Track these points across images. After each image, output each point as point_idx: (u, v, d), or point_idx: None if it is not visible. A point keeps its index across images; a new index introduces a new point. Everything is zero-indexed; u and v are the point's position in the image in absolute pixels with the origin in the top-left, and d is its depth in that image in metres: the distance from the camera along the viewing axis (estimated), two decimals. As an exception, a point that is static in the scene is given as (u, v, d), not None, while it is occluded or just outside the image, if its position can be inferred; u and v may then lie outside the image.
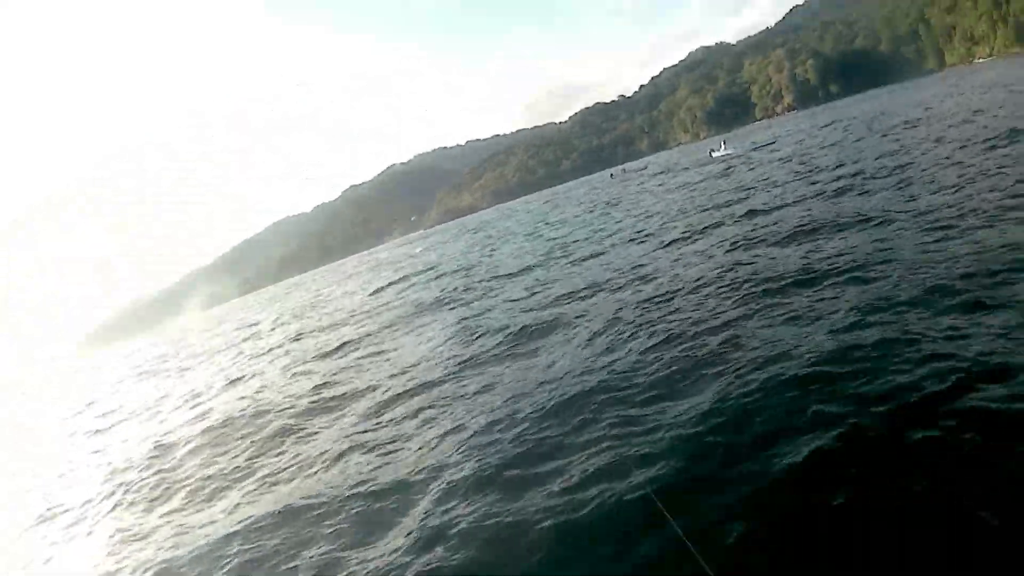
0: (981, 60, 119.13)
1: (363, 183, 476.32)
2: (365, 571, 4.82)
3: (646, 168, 76.09)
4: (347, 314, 23.08)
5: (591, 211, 35.18)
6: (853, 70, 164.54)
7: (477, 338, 11.30)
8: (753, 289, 8.58)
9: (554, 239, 25.73)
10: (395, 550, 4.93)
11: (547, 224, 36.84)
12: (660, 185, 38.17)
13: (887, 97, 66.42)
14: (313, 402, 10.67)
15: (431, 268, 31.70)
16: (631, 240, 17.80)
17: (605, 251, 17.33)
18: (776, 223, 13.02)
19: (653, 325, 8.40)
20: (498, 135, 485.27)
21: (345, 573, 4.92)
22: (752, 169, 28.29)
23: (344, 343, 15.98)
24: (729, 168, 32.68)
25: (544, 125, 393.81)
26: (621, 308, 9.92)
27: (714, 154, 49.44)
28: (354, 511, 5.89)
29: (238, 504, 7.22)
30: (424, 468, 6.21)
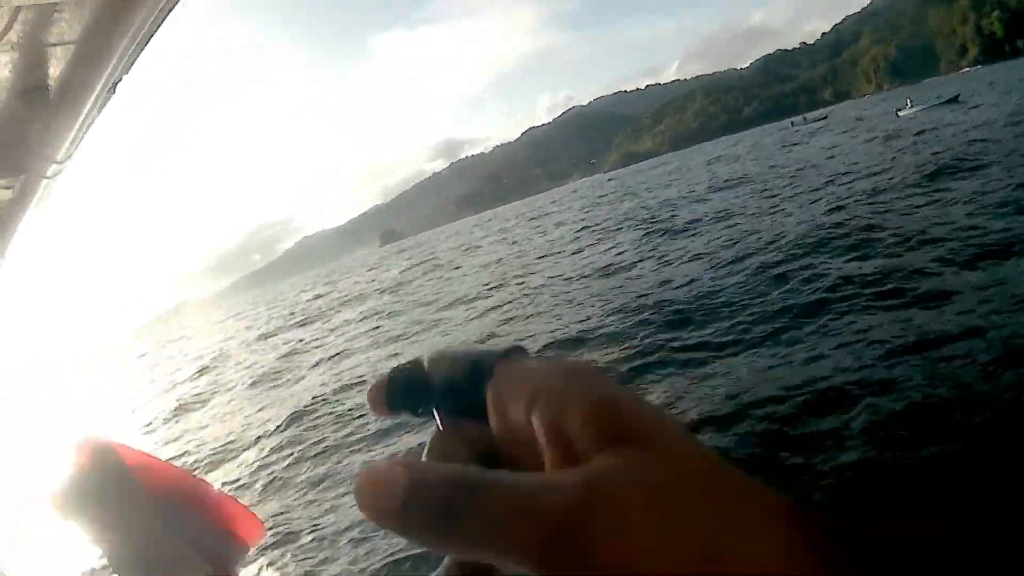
0: None
1: (543, 125, 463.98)
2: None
3: (826, 118, 70.14)
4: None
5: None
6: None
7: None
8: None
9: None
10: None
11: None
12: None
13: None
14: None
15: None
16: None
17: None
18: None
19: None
20: (678, 80, 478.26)
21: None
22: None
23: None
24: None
25: (725, 71, 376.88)
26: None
27: (900, 113, 42.08)
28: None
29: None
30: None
